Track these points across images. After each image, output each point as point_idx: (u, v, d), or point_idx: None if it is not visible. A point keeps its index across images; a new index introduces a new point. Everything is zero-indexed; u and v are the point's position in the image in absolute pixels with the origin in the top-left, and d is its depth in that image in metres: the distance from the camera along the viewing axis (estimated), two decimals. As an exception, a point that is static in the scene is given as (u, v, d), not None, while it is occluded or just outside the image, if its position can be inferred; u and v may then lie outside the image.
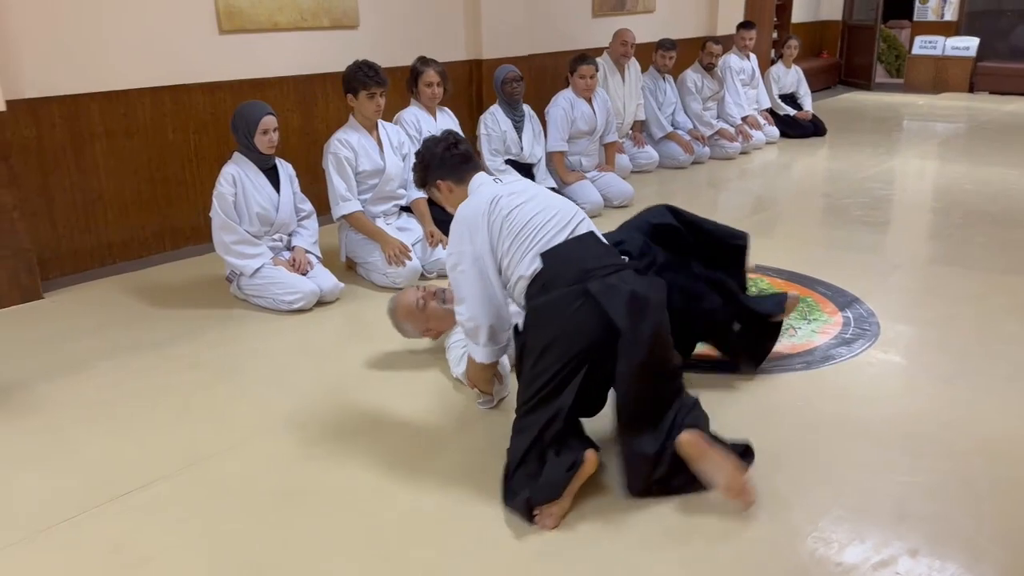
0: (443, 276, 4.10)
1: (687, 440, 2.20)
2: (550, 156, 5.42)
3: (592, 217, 3.20)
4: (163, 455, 2.56)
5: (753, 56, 7.60)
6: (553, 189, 3.59)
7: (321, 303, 3.78)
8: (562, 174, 5.40)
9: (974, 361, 3.09)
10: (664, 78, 6.75)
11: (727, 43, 7.39)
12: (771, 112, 7.84)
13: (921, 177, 6.45)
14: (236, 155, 3.78)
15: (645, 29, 7.19)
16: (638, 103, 6.49)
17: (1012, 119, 8.84)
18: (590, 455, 2.23)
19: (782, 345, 3.21)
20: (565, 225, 2.45)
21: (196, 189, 4.66)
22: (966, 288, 3.85)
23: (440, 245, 4.17)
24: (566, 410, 2.22)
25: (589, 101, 5.51)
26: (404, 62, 4.87)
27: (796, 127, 7.86)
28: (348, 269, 4.24)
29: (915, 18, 11.63)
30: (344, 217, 4.07)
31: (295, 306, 3.68)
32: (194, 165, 4.65)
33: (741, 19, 8.18)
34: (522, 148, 5.17)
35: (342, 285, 3.88)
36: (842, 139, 7.81)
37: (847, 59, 12.07)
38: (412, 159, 4.20)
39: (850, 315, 3.51)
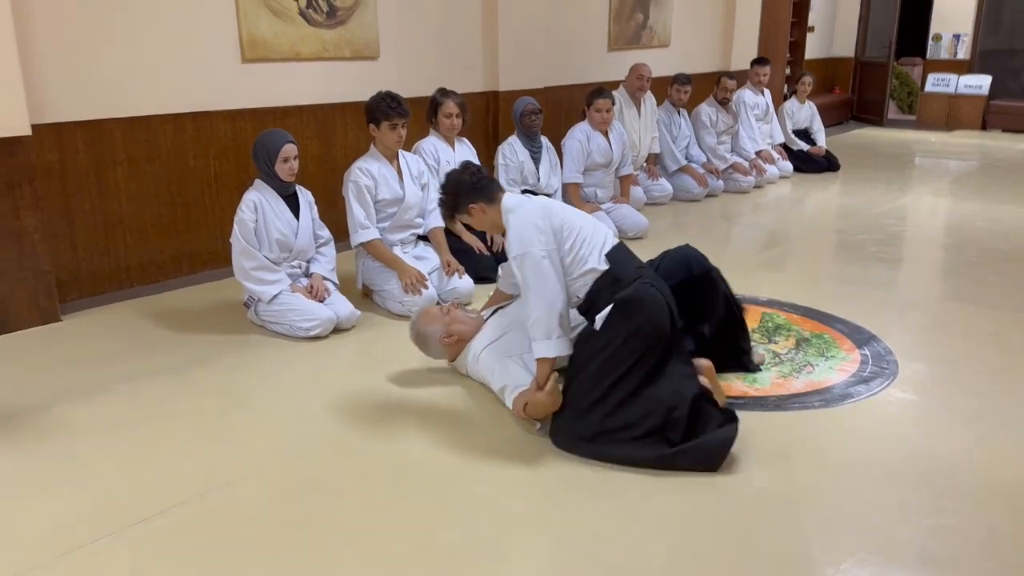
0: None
1: (708, 366, 2.90)
2: (565, 187, 5.46)
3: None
4: (180, 481, 2.56)
5: (767, 91, 7.66)
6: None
7: (337, 330, 3.79)
8: (577, 205, 5.40)
9: (991, 400, 3.08)
10: (679, 112, 6.80)
11: (741, 78, 7.45)
12: (785, 147, 7.88)
13: (934, 214, 6.46)
14: (257, 182, 3.82)
15: (660, 63, 7.25)
16: (653, 136, 6.53)
17: (1025, 157, 8.87)
18: (701, 362, 2.86)
19: (800, 382, 3.21)
20: (606, 234, 2.87)
21: (215, 214, 4.70)
22: (981, 326, 3.84)
23: (456, 274, 4.19)
24: (690, 383, 2.67)
25: (605, 134, 5.55)
26: (423, 93, 4.93)
27: (810, 162, 7.90)
28: (364, 296, 4.26)
29: (928, 56, 11.72)
30: (362, 245, 4.09)
31: (312, 333, 3.69)
32: (214, 190, 4.70)
33: (755, 55, 8.26)
34: (539, 179, 5.21)
35: (359, 313, 3.90)
36: (855, 175, 7.83)
37: (859, 95, 12.14)
38: (431, 189, 4.27)
39: (868, 352, 3.49)
